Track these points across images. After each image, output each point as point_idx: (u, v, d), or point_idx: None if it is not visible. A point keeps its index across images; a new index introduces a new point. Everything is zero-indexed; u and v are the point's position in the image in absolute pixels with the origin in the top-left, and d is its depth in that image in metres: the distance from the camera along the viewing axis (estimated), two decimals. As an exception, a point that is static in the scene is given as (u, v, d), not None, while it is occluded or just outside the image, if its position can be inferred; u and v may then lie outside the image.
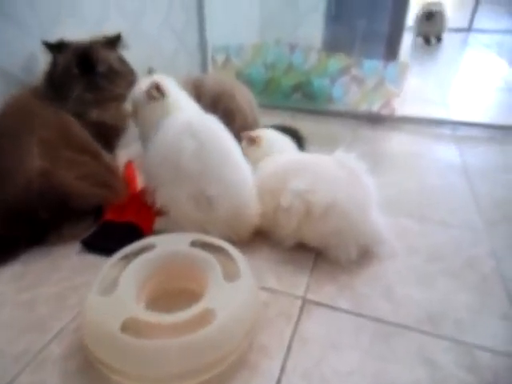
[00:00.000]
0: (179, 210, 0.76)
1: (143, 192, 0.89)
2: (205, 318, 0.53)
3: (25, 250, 0.77)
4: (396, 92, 1.51)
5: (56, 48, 0.83)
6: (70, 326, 0.62)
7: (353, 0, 2.31)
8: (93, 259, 0.78)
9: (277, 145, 0.98)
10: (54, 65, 0.83)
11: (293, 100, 1.68)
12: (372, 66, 1.50)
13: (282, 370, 0.56)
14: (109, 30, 1.12)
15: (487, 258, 0.79)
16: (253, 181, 0.82)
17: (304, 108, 1.66)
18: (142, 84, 0.88)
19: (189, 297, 0.64)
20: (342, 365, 0.57)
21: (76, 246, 0.80)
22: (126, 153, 1.09)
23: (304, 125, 1.53)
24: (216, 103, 1.15)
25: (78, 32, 1.01)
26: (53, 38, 0.93)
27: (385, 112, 1.55)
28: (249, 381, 0.54)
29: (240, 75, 1.72)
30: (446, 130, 1.50)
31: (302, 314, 0.66)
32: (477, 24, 4.85)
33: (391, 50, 2.56)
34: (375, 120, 1.56)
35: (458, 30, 4.79)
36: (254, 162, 0.92)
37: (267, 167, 0.86)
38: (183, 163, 0.73)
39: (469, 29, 4.88)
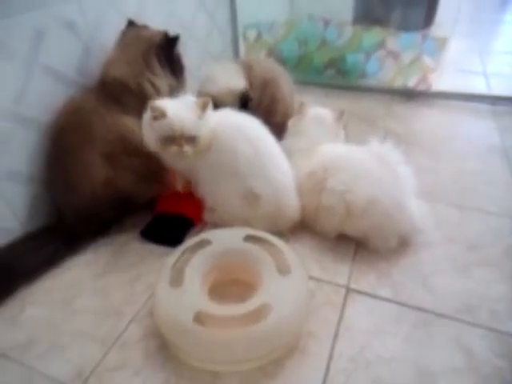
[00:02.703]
0: (227, 207, 0.83)
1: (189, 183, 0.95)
2: (262, 310, 0.60)
3: (92, 240, 0.86)
4: (433, 67, 1.47)
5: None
6: (143, 311, 0.71)
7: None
8: (151, 248, 0.86)
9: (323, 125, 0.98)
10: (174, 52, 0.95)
11: (326, 76, 1.67)
12: (409, 40, 1.46)
13: (331, 355, 0.63)
14: (148, 19, 1.15)
15: (525, 247, 0.82)
16: (293, 178, 0.86)
17: (337, 84, 1.64)
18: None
19: (242, 286, 0.72)
20: (384, 351, 0.63)
21: (135, 235, 0.88)
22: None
23: (338, 102, 1.53)
24: (264, 88, 1.18)
25: (120, 25, 1.05)
26: (100, 35, 0.98)
27: (421, 88, 1.52)
28: (301, 364, 0.62)
29: (272, 52, 1.71)
30: (485, 106, 1.45)
31: (347, 302, 0.72)
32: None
33: (429, 14, 2.44)
34: (410, 96, 1.53)
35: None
36: (298, 132, 0.97)
37: (305, 166, 0.89)
38: (239, 166, 0.80)
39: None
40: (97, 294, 0.75)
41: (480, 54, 2.08)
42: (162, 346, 0.64)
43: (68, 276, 0.79)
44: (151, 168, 0.89)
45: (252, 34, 1.69)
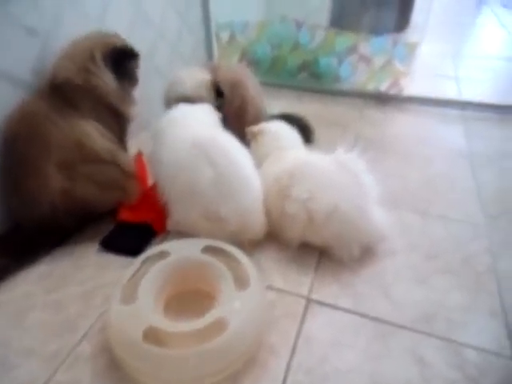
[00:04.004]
0: (192, 223, 0.81)
1: (154, 188, 0.93)
2: (218, 325, 0.59)
3: (49, 251, 0.83)
4: (404, 72, 1.48)
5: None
6: (97, 325, 0.69)
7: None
8: (112, 258, 0.83)
9: (283, 139, 0.99)
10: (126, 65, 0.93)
11: (299, 79, 1.67)
12: (380, 45, 1.47)
13: (288, 367, 0.62)
14: (112, 20, 1.11)
15: (484, 254, 0.83)
16: (261, 189, 0.85)
17: (310, 88, 1.64)
18: None
19: (201, 297, 0.71)
20: (341, 363, 0.63)
21: (95, 245, 0.86)
22: (135, 142, 1.12)
23: (310, 106, 1.53)
24: (233, 90, 1.17)
25: (82, 26, 1.01)
26: (59, 35, 0.94)
27: (392, 92, 1.53)
28: (258, 378, 0.61)
29: (245, 53, 1.70)
30: (455, 111, 1.48)
31: (307, 313, 0.71)
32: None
33: (403, 17, 2.48)
34: (383, 100, 1.54)
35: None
36: (260, 157, 0.96)
37: (272, 172, 0.88)
38: (200, 189, 0.77)
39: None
40: (50, 309, 0.72)
41: (453, 58, 2.13)
42: (114, 364, 0.62)
43: (21, 289, 0.76)
44: (112, 175, 0.86)
45: (225, 36, 1.67)
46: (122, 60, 0.91)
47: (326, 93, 1.62)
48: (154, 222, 0.89)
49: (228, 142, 0.83)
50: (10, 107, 0.81)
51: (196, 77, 1.14)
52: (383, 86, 1.54)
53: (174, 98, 1.08)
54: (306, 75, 1.65)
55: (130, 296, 0.64)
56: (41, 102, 0.81)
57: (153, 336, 0.58)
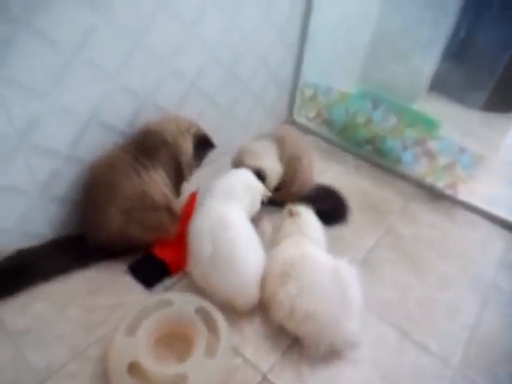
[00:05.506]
0: (196, 277, 1.03)
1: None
2: (182, 377, 0.79)
3: (99, 262, 1.10)
4: (465, 178, 1.49)
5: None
6: (108, 336, 0.93)
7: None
8: (136, 283, 1.07)
9: (309, 228, 1.14)
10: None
11: (364, 150, 1.75)
12: (447, 147, 1.49)
13: (222, 428, 0.80)
14: (205, 81, 1.33)
15: (436, 398, 0.91)
16: (256, 268, 1.01)
17: (371, 160, 1.72)
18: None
19: (186, 340, 0.91)
20: None
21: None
22: (199, 175, 1.30)
23: (363, 180, 1.62)
24: (291, 161, 1.36)
25: (176, 88, 1.25)
26: (155, 96, 1.19)
27: (447, 192, 1.55)
28: (197, 426, 0.80)
29: (322, 112, 1.83)
30: (504, 230, 1.45)
31: (257, 388, 0.88)
32: None
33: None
34: (434, 196, 1.57)
35: None
36: (286, 233, 1.12)
37: (284, 253, 1.04)
38: (201, 258, 0.98)
39: None
40: (84, 308, 0.99)
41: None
42: (106, 375, 0.84)
43: (72, 284, 1.03)
44: (160, 219, 1.10)
45: (309, 92, 1.82)
46: (204, 144, 1.21)
47: (383, 169, 1.69)
48: (173, 264, 1.10)
49: (236, 223, 1.01)
50: (104, 146, 1.08)
51: (273, 164, 1.32)
52: (440, 183, 1.56)
53: (250, 166, 1.26)
54: (371, 148, 1.73)
55: (132, 327, 0.87)
56: (125, 153, 1.06)
57: (138, 367, 0.80)
